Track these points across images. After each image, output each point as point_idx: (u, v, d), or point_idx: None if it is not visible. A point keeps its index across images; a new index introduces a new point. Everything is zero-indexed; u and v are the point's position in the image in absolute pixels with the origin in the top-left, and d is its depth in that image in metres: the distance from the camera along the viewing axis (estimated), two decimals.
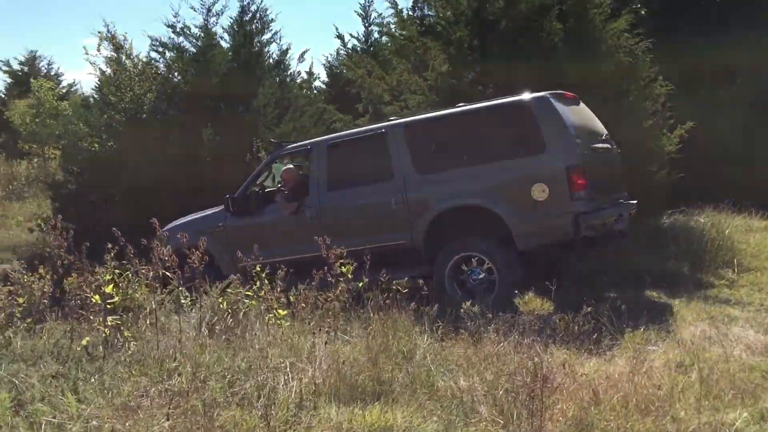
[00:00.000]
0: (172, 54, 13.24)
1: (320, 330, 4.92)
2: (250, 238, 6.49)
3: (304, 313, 5.26)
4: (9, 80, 24.45)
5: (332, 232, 5.95)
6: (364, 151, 7.55)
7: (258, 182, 8.31)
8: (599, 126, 7.32)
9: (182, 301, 5.38)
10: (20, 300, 5.55)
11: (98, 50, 12.38)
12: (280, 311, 4.97)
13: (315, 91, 16.37)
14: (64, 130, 12.42)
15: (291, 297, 5.44)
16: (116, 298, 4.84)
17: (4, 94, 23.89)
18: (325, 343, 4.69)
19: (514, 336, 4.71)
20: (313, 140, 8.22)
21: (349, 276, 5.37)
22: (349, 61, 14.08)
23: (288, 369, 4.30)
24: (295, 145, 8.51)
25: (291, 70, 15.15)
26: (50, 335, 5.12)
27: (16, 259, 10.60)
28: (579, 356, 4.93)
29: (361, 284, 5.49)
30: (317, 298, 5.39)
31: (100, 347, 4.70)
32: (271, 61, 14.42)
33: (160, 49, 13.23)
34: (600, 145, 7.01)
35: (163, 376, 4.10)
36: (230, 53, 13.63)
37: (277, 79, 14.35)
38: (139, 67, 12.68)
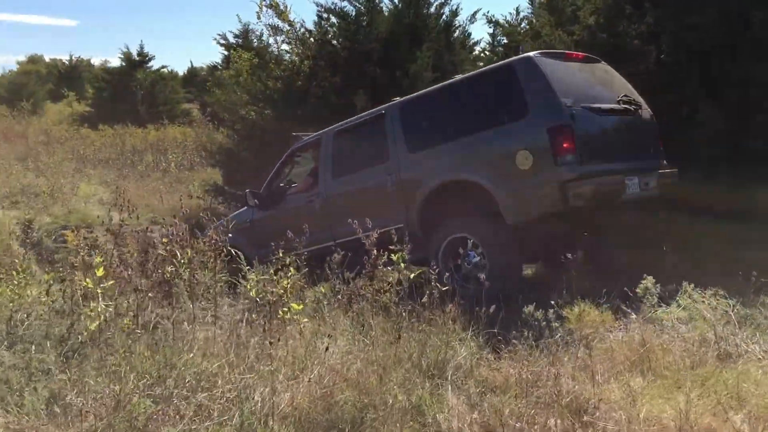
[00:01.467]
0: (335, 20, 12.99)
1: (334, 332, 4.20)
2: (273, 232, 6.14)
3: (334, 309, 4.56)
4: (225, 53, 25.58)
5: (338, 220, 5.82)
6: (366, 135, 7.40)
7: (281, 176, 8.38)
8: (616, 87, 6.64)
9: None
10: None
11: (258, 17, 12.36)
12: (294, 305, 4.29)
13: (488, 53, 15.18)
14: (226, 99, 12.73)
15: (323, 288, 4.79)
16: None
17: (220, 66, 24.93)
18: (326, 348, 3.98)
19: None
20: (324, 130, 8.00)
21: (402, 265, 4.63)
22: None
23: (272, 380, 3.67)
24: (311, 136, 8.33)
25: (457, 33, 14.03)
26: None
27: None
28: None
29: (412, 276, 4.73)
30: (354, 293, 4.66)
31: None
32: (441, 23, 13.61)
33: (325, 15, 13.05)
34: (610, 106, 6.29)
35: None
36: (394, 16, 13.08)
37: (443, 42, 13.47)
38: (300, 32, 12.56)
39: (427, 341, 4.27)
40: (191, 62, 67.32)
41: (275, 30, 12.60)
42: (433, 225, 6.48)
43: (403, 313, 4.40)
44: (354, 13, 12.91)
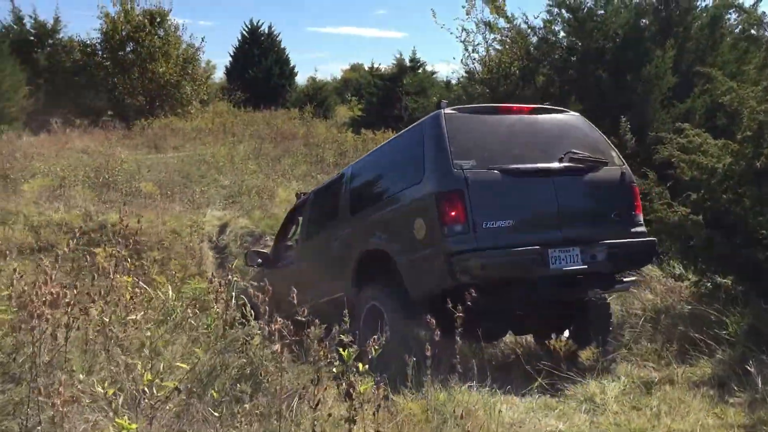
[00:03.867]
0: (566, 14, 10.92)
1: None
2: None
3: None
4: None
5: (303, 284, 5.00)
6: (329, 195, 7.16)
7: (287, 233, 8.21)
8: (570, 143, 5.75)
9: None
10: None
11: (468, 13, 10.79)
12: None
13: None
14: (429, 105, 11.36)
15: None
16: None
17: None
18: None
19: None
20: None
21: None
22: None
23: None
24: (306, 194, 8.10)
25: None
26: None
27: None
28: None
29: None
30: None
31: None
32: (701, 20, 10.66)
33: (555, 10, 11.04)
34: (540, 166, 5.52)
35: None
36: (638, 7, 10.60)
37: (705, 39, 10.50)
38: (518, 28, 10.72)
39: None
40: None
41: (487, 27, 10.93)
42: (359, 291, 6.07)
43: None
44: (587, 7, 10.69)
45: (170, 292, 4.38)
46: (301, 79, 36.34)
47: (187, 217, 11.80)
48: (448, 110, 5.56)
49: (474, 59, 10.60)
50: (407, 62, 26.08)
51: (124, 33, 26.54)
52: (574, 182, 5.58)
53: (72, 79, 27.49)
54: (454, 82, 12.93)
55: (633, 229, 5.67)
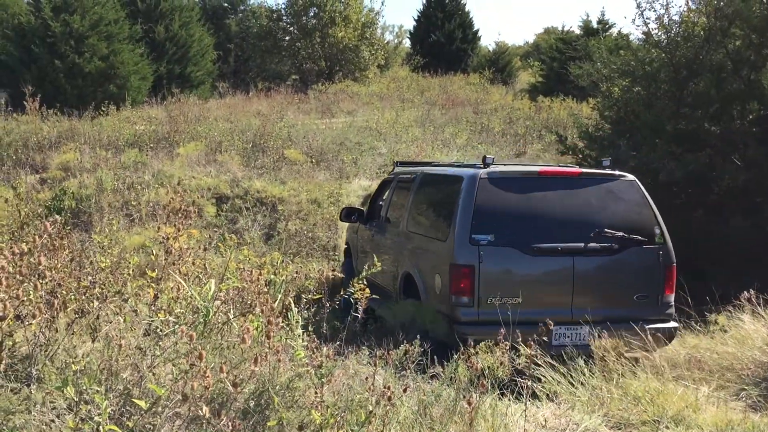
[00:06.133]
0: None
1: None
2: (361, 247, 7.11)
3: None
4: None
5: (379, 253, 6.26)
6: (403, 193, 7.12)
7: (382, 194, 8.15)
8: (603, 216, 5.62)
9: None
10: None
11: None
12: None
13: None
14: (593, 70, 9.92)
15: None
16: None
17: None
18: None
19: None
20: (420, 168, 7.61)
21: None
22: None
23: None
24: (410, 169, 7.74)
25: None
26: None
27: None
28: None
29: None
30: None
31: None
32: None
33: None
34: (563, 246, 5.47)
35: None
36: None
37: None
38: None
39: None
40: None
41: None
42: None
43: None
44: None
45: (212, 286, 3.78)
46: (489, 42, 35.09)
47: (329, 187, 11.42)
48: (484, 174, 5.55)
49: (648, 18, 8.97)
50: (594, 24, 23.93)
51: None
52: (598, 262, 5.56)
53: (258, 45, 28.46)
54: (635, 43, 11.17)
55: (657, 311, 5.59)
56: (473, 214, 5.42)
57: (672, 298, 5.66)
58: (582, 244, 5.49)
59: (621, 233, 5.51)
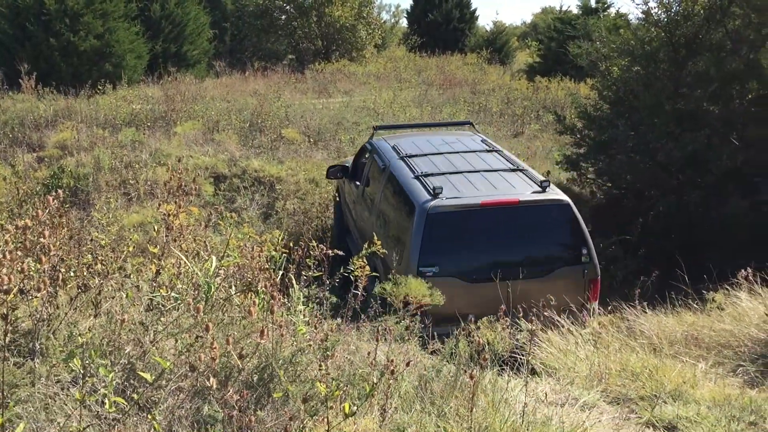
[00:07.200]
0: None
1: None
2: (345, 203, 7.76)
3: None
4: None
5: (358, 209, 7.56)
6: (378, 170, 7.59)
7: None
8: (541, 237, 6.45)
9: None
10: None
11: None
12: None
13: None
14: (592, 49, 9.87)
15: None
16: None
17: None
18: None
19: None
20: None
21: None
22: None
23: None
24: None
25: None
26: None
27: None
28: None
29: None
30: None
31: None
32: None
33: None
34: (503, 272, 6.04)
35: None
36: None
37: None
38: None
39: None
40: None
41: None
42: None
43: None
44: None
45: (213, 263, 3.79)
46: (487, 22, 34.90)
47: (327, 166, 11.39)
48: (433, 204, 5.99)
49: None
50: (593, 3, 23.76)
51: None
52: (531, 284, 5.92)
53: (254, 24, 28.21)
54: (635, 22, 11.11)
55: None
56: (421, 245, 5.94)
57: (596, 305, 6.23)
58: (518, 270, 6.00)
59: (552, 255, 6.20)
